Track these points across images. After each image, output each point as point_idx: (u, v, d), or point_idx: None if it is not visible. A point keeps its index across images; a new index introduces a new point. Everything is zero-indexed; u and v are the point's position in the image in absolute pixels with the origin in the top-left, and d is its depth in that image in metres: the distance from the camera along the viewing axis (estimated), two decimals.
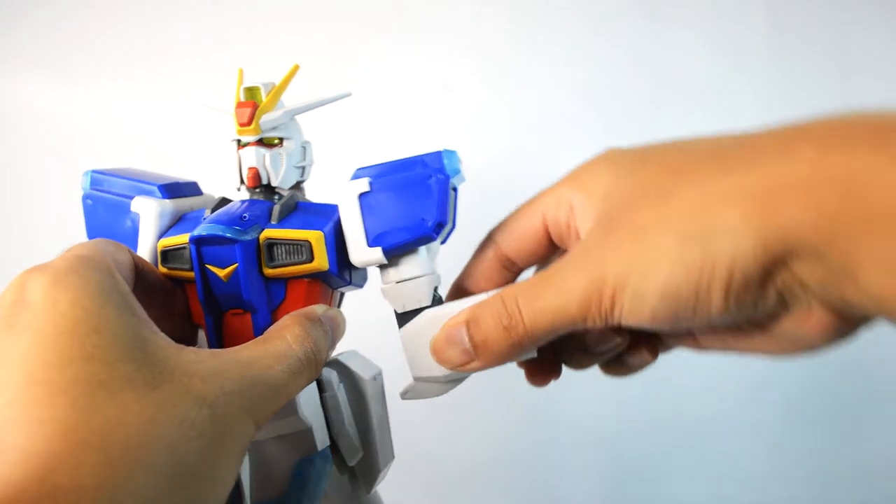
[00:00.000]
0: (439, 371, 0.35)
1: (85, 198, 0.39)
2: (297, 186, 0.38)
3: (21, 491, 0.21)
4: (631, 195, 0.30)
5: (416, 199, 0.35)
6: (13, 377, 0.23)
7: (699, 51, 0.75)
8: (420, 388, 0.37)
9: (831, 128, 0.26)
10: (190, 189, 0.39)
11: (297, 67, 0.37)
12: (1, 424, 0.22)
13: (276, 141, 0.36)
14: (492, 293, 0.33)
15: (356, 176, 0.36)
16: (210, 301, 0.35)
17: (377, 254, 0.35)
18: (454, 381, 0.36)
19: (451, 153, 0.36)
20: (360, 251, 0.35)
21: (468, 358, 0.33)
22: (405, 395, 0.37)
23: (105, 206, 0.38)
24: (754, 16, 0.75)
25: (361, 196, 0.35)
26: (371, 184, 0.35)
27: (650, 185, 0.29)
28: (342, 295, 0.40)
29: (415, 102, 0.75)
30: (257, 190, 0.37)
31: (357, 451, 0.37)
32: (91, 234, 0.39)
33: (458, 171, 0.36)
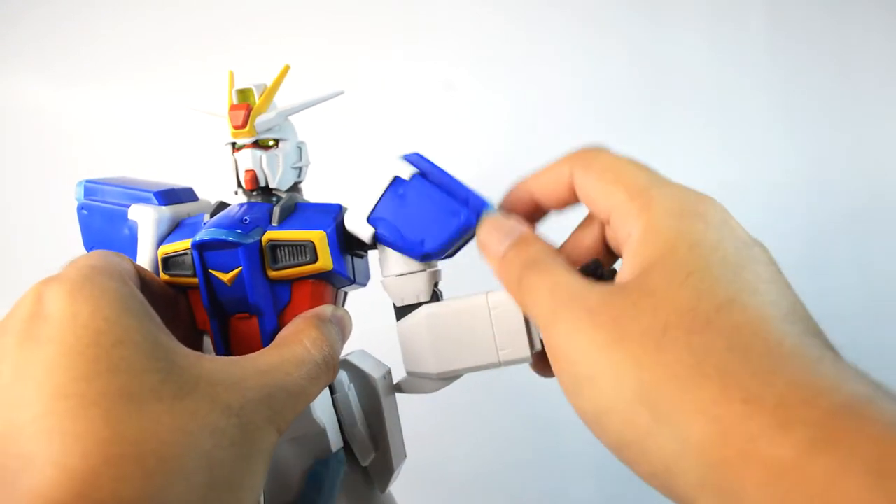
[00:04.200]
0: (433, 368, 0.36)
1: (80, 208, 0.38)
2: (295, 187, 0.38)
3: None
4: (650, 295, 0.26)
5: (432, 220, 0.34)
6: (41, 391, 0.23)
7: (699, 50, 0.75)
8: (413, 384, 0.37)
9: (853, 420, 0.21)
10: (186, 195, 0.39)
11: (287, 68, 0.36)
12: (32, 438, 0.22)
13: (272, 142, 0.36)
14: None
15: (409, 159, 0.36)
16: (215, 306, 0.35)
17: (368, 231, 0.35)
18: (446, 379, 0.37)
19: (491, 208, 0.35)
20: (357, 220, 0.35)
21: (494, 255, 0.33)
22: (400, 388, 0.38)
23: (101, 216, 0.38)
24: (754, 15, 0.75)
25: (396, 178, 0.35)
26: (413, 176, 0.35)
27: (672, 309, 0.25)
28: (346, 294, 0.39)
29: (415, 102, 0.75)
30: (255, 192, 0.37)
31: (370, 451, 0.37)
32: (88, 244, 0.39)
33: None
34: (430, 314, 0.36)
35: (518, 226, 0.33)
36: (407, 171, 0.35)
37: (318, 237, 0.34)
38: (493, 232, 0.33)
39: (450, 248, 0.35)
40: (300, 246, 0.34)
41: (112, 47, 0.74)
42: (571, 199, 0.34)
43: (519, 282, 0.31)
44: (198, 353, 0.27)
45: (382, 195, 0.35)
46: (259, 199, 0.36)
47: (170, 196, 0.38)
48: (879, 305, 0.74)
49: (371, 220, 0.35)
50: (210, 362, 0.27)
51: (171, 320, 0.34)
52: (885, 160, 0.74)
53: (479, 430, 0.74)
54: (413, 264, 0.36)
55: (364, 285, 0.39)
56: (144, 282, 0.33)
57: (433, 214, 0.34)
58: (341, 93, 0.37)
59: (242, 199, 0.37)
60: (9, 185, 0.74)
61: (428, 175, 0.35)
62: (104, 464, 0.21)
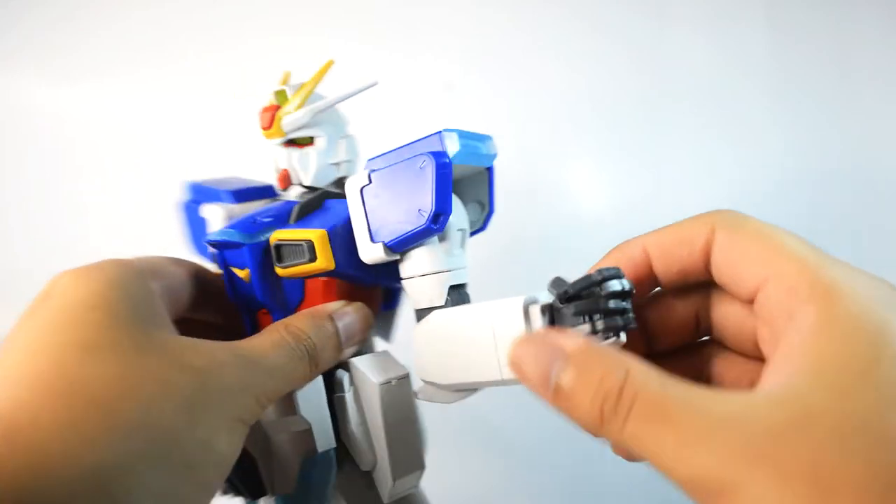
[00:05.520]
0: (438, 378, 0.33)
1: (182, 207, 0.41)
2: (340, 184, 0.37)
3: None
4: (860, 431, 0.20)
5: (412, 188, 0.32)
6: (14, 345, 0.26)
7: (701, 50, 0.72)
8: (427, 392, 0.35)
9: None
10: (263, 192, 0.40)
11: (330, 63, 0.36)
12: None
13: (307, 140, 0.36)
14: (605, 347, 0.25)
15: (365, 168, 0.34)
16: (240, 301, 0.36)
17: (379, 250, 0.33)
18: (458, 391, 0.33)
19: (452, 132, 0.32)
20: (365, 248, 0.33)
21: (543, 389, 0.25)
22: (417, 395, 0.35)
23: (193, 215, 0.40)
24: (755, 15, 0.75)
25: (362, 189, 0.33)
26: (370, 175, 0.33)
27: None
28: (397, 291, 0.38)
29: (415, 102, 0.75)
30: (297, 191, 0.37)
31: (368, 456, 0.35)
32: (190, 241, 0.41)
33: (463, 152, 0.32)
34: (436, 322, 0.33)
35: (566, 337, 0.25)
36: (363, 177, 0.33)
37: (318, 236, 0.33)
38: (529, 352, 0.26)
39: (445, 197, 0.31)
40: (298, 245, 0.33)
41: (111, 45, 0.75)
42: (699, 270, 0.28)
43: (606, 424, 0.23)
44: (182, 336, 0.29)
45: (366, 212, 0.33)
46: (302, 198, 0.37)
47: (244, 194, 0.39)
48: None
49: (374, 238, 0.33)
50: (189, 339, 0.28)
51: (227, 314, 0.36)
52: (885, 160, 0.74)
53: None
54: (423, 266, 0.34)
55: (398, 285, 0.37)
56: (204, 281, 0.35)
57: (408, 184, 0.32)
58: (375, 83, 0.35)
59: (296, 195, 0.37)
60: (8, 184, 0.74)
61: (379, 162, 0.33)
62: (34, 397, 0.23)
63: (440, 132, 0.32)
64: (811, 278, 0.23)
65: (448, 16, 0.75)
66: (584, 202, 0.74)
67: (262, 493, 0.36)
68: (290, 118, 0.35)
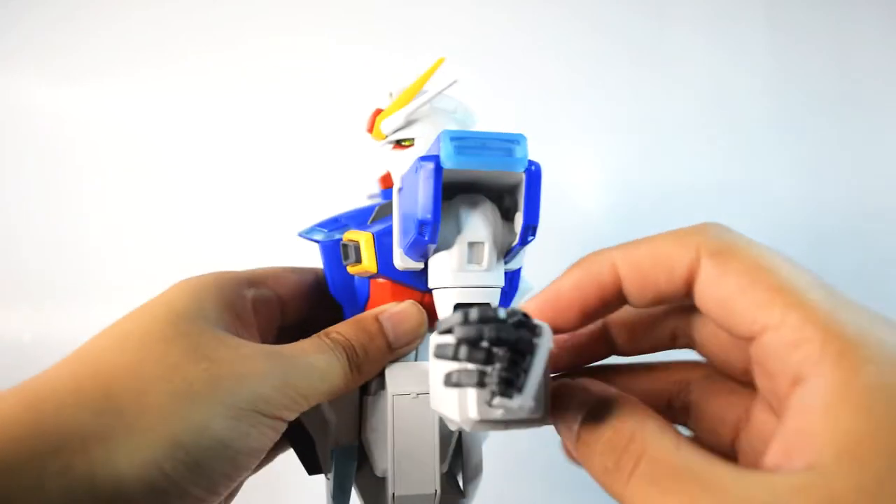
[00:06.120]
0: (432, 402, 0.30)
1: None
2: None
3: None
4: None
5: (414, 193, 0.29)
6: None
7: (701, 50, 0.75)
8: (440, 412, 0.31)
9: None
10: None
11: (441, 61, 0.35)
12: None
13: (408, 142, 0.36)
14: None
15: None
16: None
17: (401, 256, 0.32)
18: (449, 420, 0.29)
19: (447, 133, 0.28)
20: (395, 251, 0.33)
21: (567, 436, 0.24)
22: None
23: None
24: (755, 15, 0.75)
25: (399, 192, 0.33)
26: (402, 178, 0.32)
27: None
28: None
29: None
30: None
31: (380, 462, 0.36)
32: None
33: (463, 156, 0.28)
34: (431, 342, 0.28)
35: (599, 383, 0.24)
36: (399, 181, 0.33)
37: (364, 239, 0.33)
38: (563, 397, 0.24)
39: (429, 205, 0.28)
40: (350, 246, 0.34)
41: (111, 45, 0.74)
42: (678, 296, 0.24)
43: (608, 477, 0.21)
44: (225, 334, 0.30)
45: (400, 214, 0.32)
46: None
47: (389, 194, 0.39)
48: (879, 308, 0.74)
49: (400, 242, 0.32)
50: (232, 337, 0.29)
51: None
52: (885, 160, 0.73)
53: None
54: (431, 278, 0.32)
55: None
56: (322, 284, 0.37)
57: (413, 189, 0.30)
58: (455, 81, 0.34)
59: None
60: (8, 184, 0.73)
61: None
62: (54, 370, 0.27)
63: (441, 133, 0.28)
64: (821, 332, 0.19)
65: (448, 16, 0.75)
66: (584, 202, 0.75)
67: (319, 471, 0.37)
68: (387, 120, 0.36)
